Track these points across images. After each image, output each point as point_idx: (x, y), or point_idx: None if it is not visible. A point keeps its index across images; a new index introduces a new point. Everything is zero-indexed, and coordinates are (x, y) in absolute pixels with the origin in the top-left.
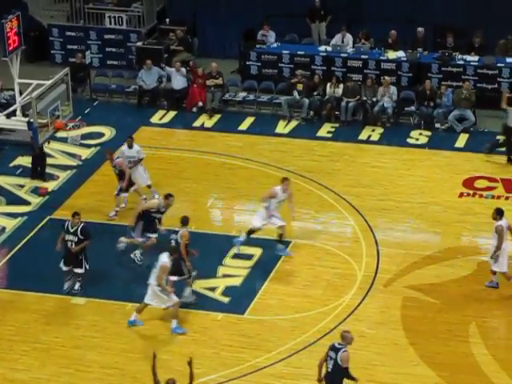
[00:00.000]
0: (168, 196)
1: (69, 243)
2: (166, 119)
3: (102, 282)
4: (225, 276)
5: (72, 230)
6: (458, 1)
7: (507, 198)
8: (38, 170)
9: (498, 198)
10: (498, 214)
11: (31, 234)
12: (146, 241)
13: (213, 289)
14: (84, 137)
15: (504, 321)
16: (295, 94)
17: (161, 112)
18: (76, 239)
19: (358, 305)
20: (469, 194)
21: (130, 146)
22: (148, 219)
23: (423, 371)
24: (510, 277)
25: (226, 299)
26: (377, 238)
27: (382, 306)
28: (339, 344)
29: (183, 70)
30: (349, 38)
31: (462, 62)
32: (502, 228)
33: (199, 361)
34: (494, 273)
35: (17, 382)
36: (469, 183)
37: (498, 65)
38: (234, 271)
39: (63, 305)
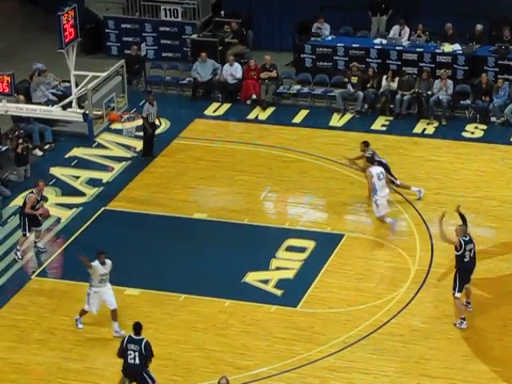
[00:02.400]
0: None
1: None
2: (221, 112)
3: (156, 274)
4: (278, 269)
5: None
6: None
7: None
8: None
9: None
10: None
11: (86, 224)
12: None
13: (266, 281)
14: (139, 129)
15: None
16: (349, 86)
17: (215, 104)
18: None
19: (412, 299)
20: None
21: None
22: None
23: (476, 366)
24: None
25: (279, 292)
26: (431, 232)
27: (436, 299)
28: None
29: (237, 64)
30: (406, 31)
31: None
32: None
33: (251, 353)
34: None
35: (71, 372)
36: None
37: None
38: (287, 264)
39: (117, 295)
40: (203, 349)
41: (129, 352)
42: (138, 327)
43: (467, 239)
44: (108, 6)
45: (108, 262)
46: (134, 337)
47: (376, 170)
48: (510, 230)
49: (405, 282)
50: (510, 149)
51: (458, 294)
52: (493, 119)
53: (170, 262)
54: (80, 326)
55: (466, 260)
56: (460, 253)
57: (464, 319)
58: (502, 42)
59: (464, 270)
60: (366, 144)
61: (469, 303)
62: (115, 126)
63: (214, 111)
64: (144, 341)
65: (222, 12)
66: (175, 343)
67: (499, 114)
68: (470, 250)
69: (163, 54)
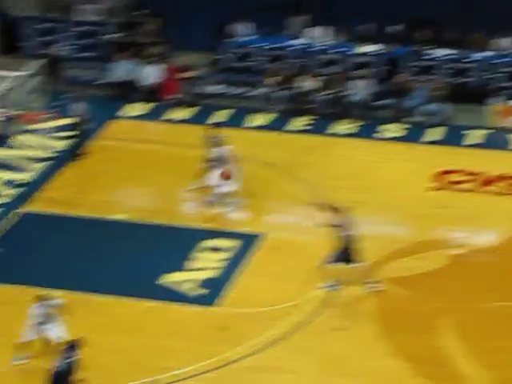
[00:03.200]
0: None
1: None
2: (140, 112)
3: (76, 275)
4: (198, 269)
5: None
6: None
7: (479, 192)
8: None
9: (471, 191)
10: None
11: (4, 226)
12: None
13: (185, 282)
14: (58, 129)
15: (474, 313)
16: (267, 87)
17: (134, 104)
18: None
19: (331, 298)
20: (442, 188)
21: None
22: None
23: (396, 363)
24: None
25: (198, 292)
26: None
27: (355, 298)
28: None
29: (157, 66)
30: (326, 31)
31: (435, 56)
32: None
33: (171, 354)
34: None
35: None
36: (442, 176)
37: (470, 59)
38: (207, 264)
39: None
40: (122, 351)
41: None
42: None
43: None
44: (24, 6)
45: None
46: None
47: None
48: (426, 228)
49: (326, 281)
50: (427, 148)
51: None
52: (410, 119)
53: (89, 263)
54: None
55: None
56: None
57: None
58: (419, 43)
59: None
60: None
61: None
62: (33, 126)
63: (133, 111)
64: None
65: (141, 12)
66: (95, 345)
67: (416, 114)
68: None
69: (81, 54)
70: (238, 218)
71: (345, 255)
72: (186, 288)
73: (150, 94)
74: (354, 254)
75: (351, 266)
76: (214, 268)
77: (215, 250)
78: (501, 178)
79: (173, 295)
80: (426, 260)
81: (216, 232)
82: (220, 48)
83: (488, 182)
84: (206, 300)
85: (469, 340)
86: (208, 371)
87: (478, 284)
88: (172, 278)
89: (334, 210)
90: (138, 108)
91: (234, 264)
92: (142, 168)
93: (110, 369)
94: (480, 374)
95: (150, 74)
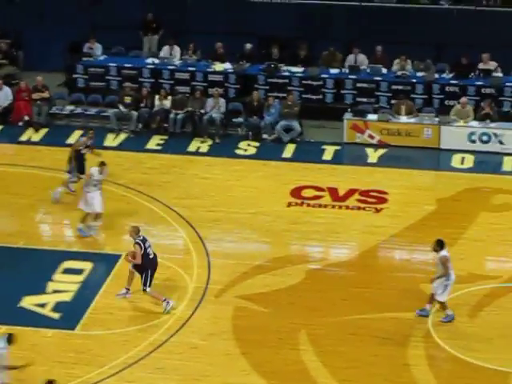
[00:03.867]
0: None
1: None
2: None
3: None
4: (55, 291)
5: None
6: (282, 13)
7: (333, 207)
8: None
9: (325, 206)
10: (439, 245)
11: None
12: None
13: (42, 305)
14: None
15: (332, 328)
16: (121, 107)
17: None
18: None
19: (190, 316)
20: (297, 204)
21: None
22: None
23: (255, 380)
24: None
25: (56, 315)
26: (207, 249)
27: (214, 316)
28: None
29: (6, 88)
30: (176, 50)
31: (287, 74)
32: (446, 258)
33: (28, 379)
34: (431, 302)
35: None
36: (296, 193)
37: (322, 76)
38: (64, 286)
39: None
40: None
41: None
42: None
43: (141, 238)
44: None
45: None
46: None
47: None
48: (283, 244)
49: (183, 300)
50: (281, 165)
51: (149, 289)
52: (265, 136)
53: None
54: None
55: (150, 257)
56: (143, 252)
57: (166, 300)
58: (271, 60)
59: (152, 265)
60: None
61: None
62: None
63: None
64: None
65: None
66: None
67: (271, 131)
68: (150, 247)
69: None
70: (96, 238)
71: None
72: (44, 311)
73: (2, 115)
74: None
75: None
76: (72, 290)
77: (74, 271)
78: (354, 192)
79: (31, 319)
80: (284, 276)
81: (74, 253)
82: (73, 68)
83: (342, 197)
84: (65, 323)
85: (325, 354)
86: None
87: (334, 298)
88: (30, 301)
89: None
90: None
91: (92, 285)
92: None
93: None
94: None
95: (2, 95)
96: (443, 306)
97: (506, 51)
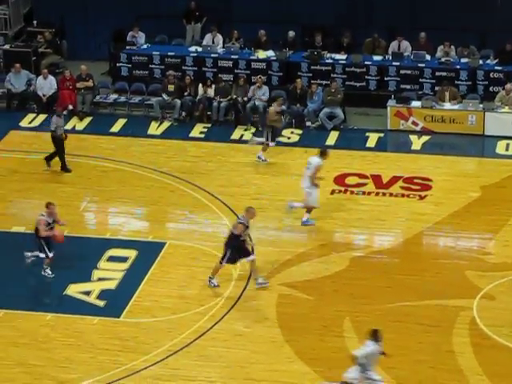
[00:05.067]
0: None
1: None
2: (37, 122)
3: None
4: (100, 279)
5: None
6: (324, 0)
7: (377, 194)
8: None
9: (369, 194)
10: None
11: None
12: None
13: (88, 293)
14: None
15: (376, 315)
16: (164, 95)
17: (30, 115)
18: None
19: (234, 304)
20: (340, 191)
21: None
22: None
23: (299, 367)
24: None
25: (101, 303)
26: (251, 237)
27: (258, 304)
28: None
29: (51, 77)
30: (219, 38)
31: (330, 61)
32: None
33: (74, 366)
34: None
35: None
36: (340, 180)
37: (366, 63)
38: (109, 274)
39: None
40: (25, 364)
41: None
42: None
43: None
44: None
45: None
46: None
47: None
48: (326, 231)
49: (227, 288)
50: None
51: (224, 263)
52: (308, 123)
53: None
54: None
55: (241, 239)
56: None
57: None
58: (314, 48)
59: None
60: None
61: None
62: None
63: (30, 122)
64: None
65: (35, 22)
66: None
67: (314, 118)
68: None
69: None
70: (141, 226)
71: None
72: (89, 299)
73: (48, 104)
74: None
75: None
76: (117, 278)
77: (118, 259)
78: (398, 179)
79: (77, 306)
80: (328, 263)
81: (118, 241)
82: (117, 56)
83: (386, 184)
84: (110, 311)
85: None
86: (114, 381)
87: (378, 285)
88: (75, 289)
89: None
90: (35, 119)
91: (137, 273)
92: (40, 180)
93: (12, 383)
94: (382, 374)
95: (46, 84)
96: None
97: None
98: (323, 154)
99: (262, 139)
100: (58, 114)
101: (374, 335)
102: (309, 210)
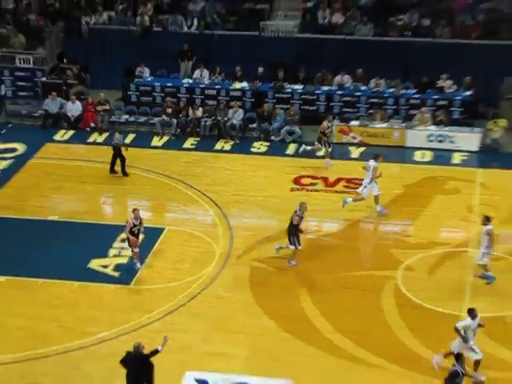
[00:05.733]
0: None
1: None
2: (66, 137)
3: (19, 264)
4: (115, 256)
5: None
6: (286, 44)
7: (326, 191)
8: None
9: (319, 191)
10: (487, 219)
11: None
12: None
13: (106, 266)
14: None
15: (325, 282)
16: (164, 116)
17: (62, 131)
18: None
19: (217, 274)
20: (298, 189)
21: None
22: None
23: (266, 322)
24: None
25: (116, 273)
26: (231, 224)
27: (235, 274)
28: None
29: (78, 102)
30: (205, 73)
31: (290, 90)
32: (491, 231)
33: (97, 322)
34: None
35: None
36: (298, 181)
37: (317, 92)
38: (122, 252)
39: None
40: (58, 320)
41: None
42: None
43: (301, 213)
44: None
45: None
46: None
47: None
48: (287, 220)
49: (211, 262)
50: (286, 159)
51: (292, 247)
52: (273, 138)
53: (30, 254)
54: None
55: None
56: (298, 223)
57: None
58: (277, 80)
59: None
60: None
61: None
62: None
63: (62, 136)
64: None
65: (65, 60)
66: (35, 318)
67: (277, 134)
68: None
69: (20, 93)
70: (146, 215)
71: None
72: (107, 271)
73: (75, 123)
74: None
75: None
76: (128, 255)
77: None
78: (341, 180)
79: (97, 277)
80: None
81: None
82: (128, 86)
83: (332, 183)
84: (123, 279)
85: (320, 303)
86: (125, 333)
87: (327, 260)
88: (96, 263)
89: None
90: (65, 134)
91: (143, 251)
92: (69, 180)
93: (50, 335)
94: (328, 328)
95: (74, 107)
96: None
97: (456, 72)
98: (377, 158)
99: (311, 147)
100: (119, 131)
101: (470, 313)
102: (376, 200)
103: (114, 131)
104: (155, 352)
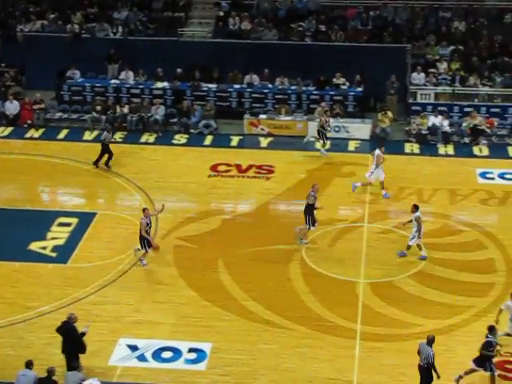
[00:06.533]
0: None
1: None
2: (6, 133)
3: None
4: (53, 238)
5: None
6: (202, 48)
7: (239, 177)
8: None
9: (233, 176)
10: (415, 207)
11: None
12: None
13: (44, 247)
14: None
15: (239, 256)
16: (93, 113)
17: (1, 128)
18: None
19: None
20: (215, 176)
21: None
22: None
23: (189, 293)
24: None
25: (54, 254)
26: (156, 207)
27: (161, 251)
28: None
29: (15, 101)
30: (130, 74)
31: (206, 89)
32: (419, 217)
33: (37, 297)
34: (409, 247)
35: None
36: (214, 168)
37: (229, 89)
38: (59, 235)
39: None
40: (2, 297)
41: None
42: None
43: (314, 196)
44: None
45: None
46: None
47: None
48: (206, 202)
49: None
50: (203, 150)
51: (312, 228)
52: (191, 131)
53: None
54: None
55: (315, 207)
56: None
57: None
58: (194, 80)
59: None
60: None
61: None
62: None
63: (1, 132)
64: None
65: (3, 64)
66: None
67: (195, 127)
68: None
69: None
70: (80, 202)
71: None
72: (46, 252)
73: (13, 120)
74: None
75: None
76: (64, 237)
77: (65, 224)
78: (252, 166)
79: (37, 257)
80: (207, 223)
81: (65, 212)
82: (60, 87)
83: (244, 170)
84: (60, 259)
85: (235, 274)
86: (64, 307)
87: (241, 236)
88: (36, 245)
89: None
90: (4, 130)
91: (78, 233)
92: (8, 171)
93: None
94: (243, 295)
95: (12, 106)
96: (419, 246)
97: (348, 71)
98: (381, 147)
99: (311, 137)
100: (108, 130)
101: None
102: (382, 186)
103: (104, 130)
104: (83, 334)
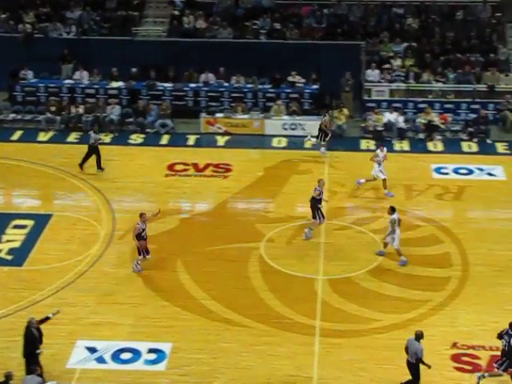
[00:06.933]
0: None
1: None
2: None
3: None
4: (8, 241)
5: None
6: (157, 47)
7: (196, 176)
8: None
9: (190, 176)
10: (392, 210)
11: None
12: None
13: (1, 250)
14: None
15: (198, 256)
16: (48, 113)
17: None
18: None
19: (102, 253)
20: (172, 175)
21: None
22: None
23: (148, 293)
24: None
25: (9, 257)
26: (113, 208)
27: (119, 252)
28: None
29: None
30: (85, 74)
31: (161, 88)
32: (394, 220)
33: None
34: (386, 245)
35: None
36: (171, 167)
37: (185, 88)
38: (14, 237)
39: None
40: None
41: None
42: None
43: (320, 192)
44: None
45: None
46: None
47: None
48: (163, 202)
49: (97, 243)
50: (160, 149)
51: (323, 220)
52: (148, 130)
53: None
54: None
55: (321, 203)
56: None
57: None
58: (150, 79)
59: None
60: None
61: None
62: None
63: None
64: None
65: None
66: None
67: (152, 127)
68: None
69: None
70: (35, 203)
71: None
72: (1, 255)
73: None
74: None
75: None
76: (20, 240)
77: (20, 227)
78: (209, 165)
79: None
80: (165, 223)
81: (20, 214)
82: (13, 88)
83: (202, 169)
84: (16, 262)
85: (194, 274)
86: (20, 310)
87: (199, 236)
88: None
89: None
90: None
91: (34, 236)
92: None
93: None
94: (202, 295)
95: None
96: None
97: (304, 69)
98: (382, 148)
99: (312, 137)
100: (95, 131)
101: None
102: (384, 185)
103: (90, 131)
104: (46, 319)
